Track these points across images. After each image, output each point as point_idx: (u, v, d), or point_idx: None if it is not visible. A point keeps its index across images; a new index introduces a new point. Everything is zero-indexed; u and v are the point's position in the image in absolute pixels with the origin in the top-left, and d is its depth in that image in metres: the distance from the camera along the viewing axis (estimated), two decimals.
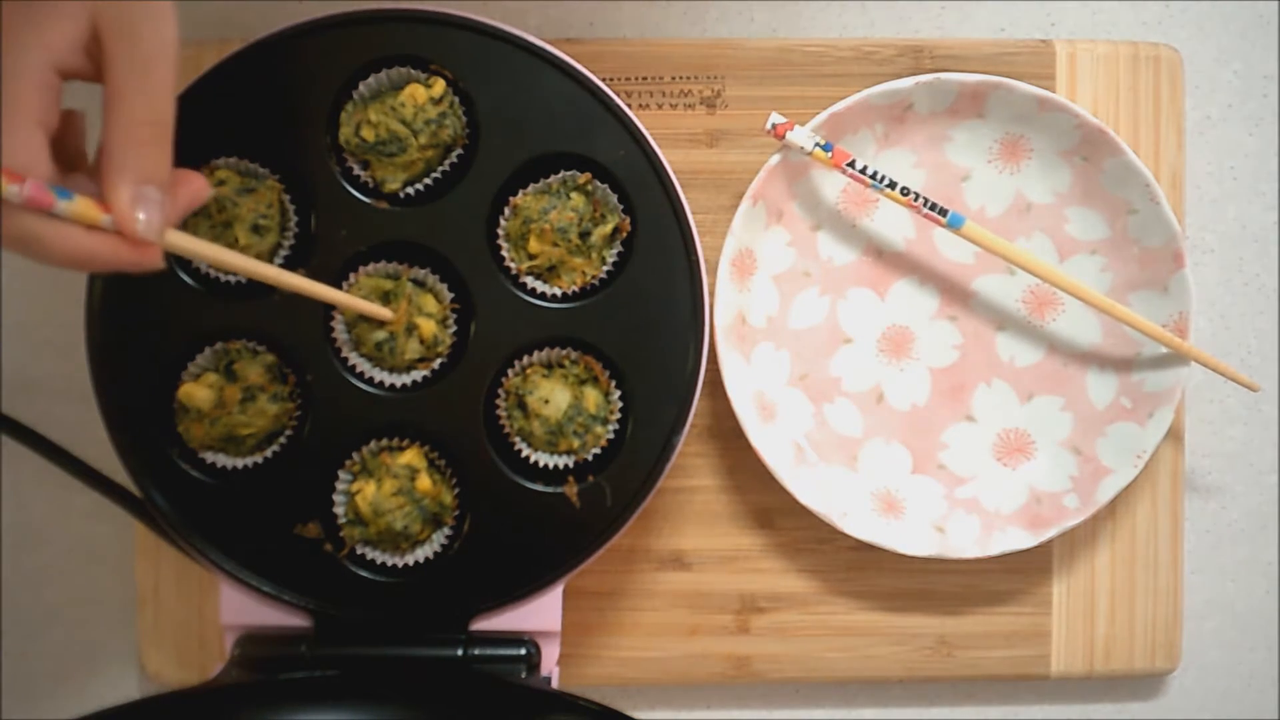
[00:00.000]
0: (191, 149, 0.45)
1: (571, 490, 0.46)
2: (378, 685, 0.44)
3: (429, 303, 0.47)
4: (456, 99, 0.47)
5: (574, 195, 0.47)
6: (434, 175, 0.47)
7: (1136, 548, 0.55)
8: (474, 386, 0.46)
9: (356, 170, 0.47)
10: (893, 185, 0.50)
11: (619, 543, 0.46)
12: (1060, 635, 0.55)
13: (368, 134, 0.46)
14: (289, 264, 0.46)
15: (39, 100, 0.33)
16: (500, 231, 0.47)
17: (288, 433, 0.47)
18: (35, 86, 0.33)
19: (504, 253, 0.47)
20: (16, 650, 0.55)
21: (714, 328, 0.50)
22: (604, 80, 0.46)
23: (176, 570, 0.53)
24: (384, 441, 0.47)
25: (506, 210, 0.47)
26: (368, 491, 0.46)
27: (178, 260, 0.46)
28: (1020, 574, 0.54)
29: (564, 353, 0.47)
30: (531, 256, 0.47)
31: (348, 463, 0.47)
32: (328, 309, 0.46)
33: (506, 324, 0.46)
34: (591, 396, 0.47)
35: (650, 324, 0.46)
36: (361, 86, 0.46)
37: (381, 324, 0.46)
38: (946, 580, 0.54)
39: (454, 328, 0.47)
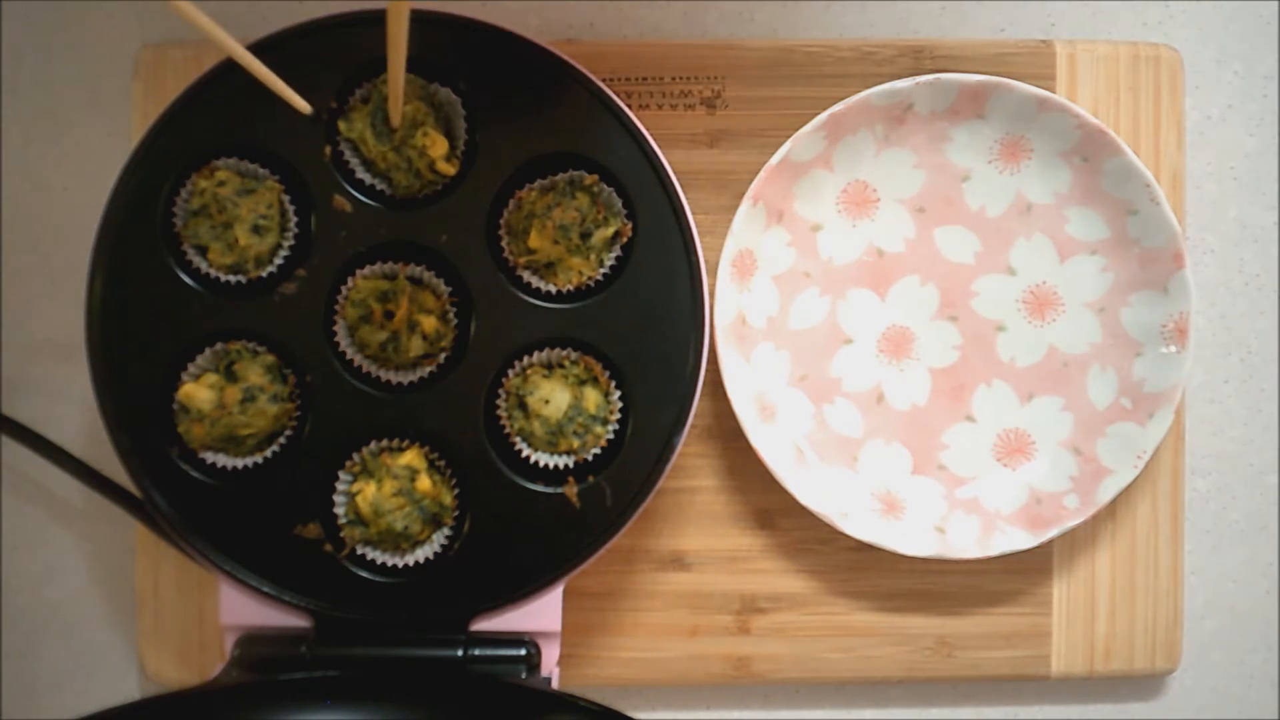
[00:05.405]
0: (192, 149, 0.46)
1: (571, 490, 0.46)
2: (378, 685, 0.44)
3: (427, 298, 0.47)
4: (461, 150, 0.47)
5: (579, 195, 0.47)
6: None
7: (1136, 548, 0.55)
8: (474, 387, 0.46)
9: (357, 171, 0.47)
10: None
11: (619, 543, 0.46)
12: (1060, 635, 0.55)
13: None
14: (289, 264, 0.46)
15: None
16: (501, 224, 0.47)
17: (288, 433, 0.47)
18: None
19: (503, 244, 0.47)
20: (16, 650, 0.55)
21: (714, 328, 0.50)
22: (604, 80, 0.46)
23: (176, 570, 0.53)
24: (384, 442, 0.47)
25: (510, 203, 0.47)
26: (368, 492, 0.46)
27: (178, 260, 0.46)
28: (1020, 574, 0.54)
29: (564, 353, 0.47)
30: (530, 250, 0.47)
31: (348, 463, 0.47)
32: (328, 309, 0.46)
33: (507, 324, 0.46)
34: (591, 397, 0.47)
35: (650, 324, 0.46)
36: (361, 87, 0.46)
37: (384, 325, 0.46)
38: (946, 580, 0.54)
39: (455, 320, 0.47)
